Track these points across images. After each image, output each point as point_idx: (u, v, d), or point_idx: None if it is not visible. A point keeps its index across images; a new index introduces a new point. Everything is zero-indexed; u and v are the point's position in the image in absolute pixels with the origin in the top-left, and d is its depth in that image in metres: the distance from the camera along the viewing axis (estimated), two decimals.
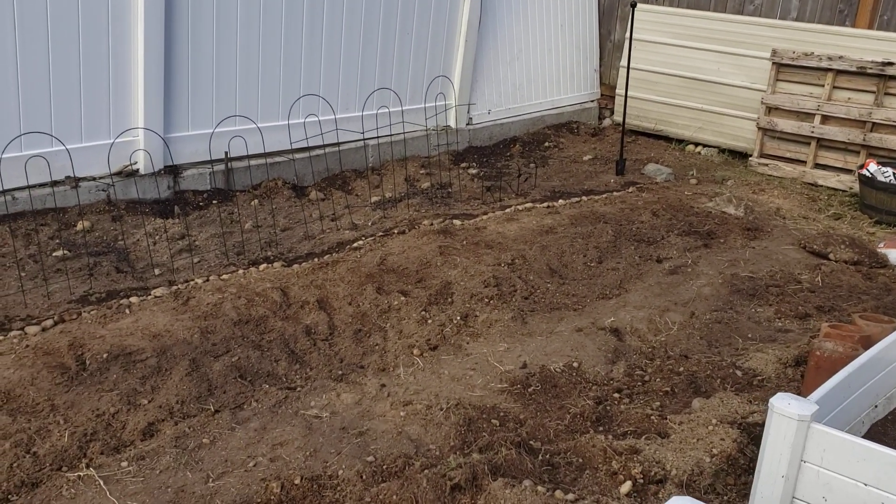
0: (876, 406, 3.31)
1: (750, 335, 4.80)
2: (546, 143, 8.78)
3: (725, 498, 3.23)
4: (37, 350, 3.91)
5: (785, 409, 2.55)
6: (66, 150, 5.22)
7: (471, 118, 8.31)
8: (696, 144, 9.04)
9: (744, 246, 6.20)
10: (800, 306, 5.13)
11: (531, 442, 3.57)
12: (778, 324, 4.96)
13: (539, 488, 3.05)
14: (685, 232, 6.37)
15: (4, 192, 5.19)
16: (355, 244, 5.58)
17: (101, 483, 3.22)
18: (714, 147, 8.92)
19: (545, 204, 6.72)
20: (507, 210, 6.47)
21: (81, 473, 3.27)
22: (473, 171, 7.62)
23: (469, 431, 3.63)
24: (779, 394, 2.63)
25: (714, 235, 6.36)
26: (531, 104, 9.03)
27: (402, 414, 3.82)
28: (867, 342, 3.59)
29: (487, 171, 7.73)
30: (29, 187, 5.19)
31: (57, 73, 5.37)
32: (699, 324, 4.92)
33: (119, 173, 5.76)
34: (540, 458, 3.41)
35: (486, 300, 4.95)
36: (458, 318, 4.77)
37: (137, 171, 5.86)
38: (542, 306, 5.10)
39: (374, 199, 6.69)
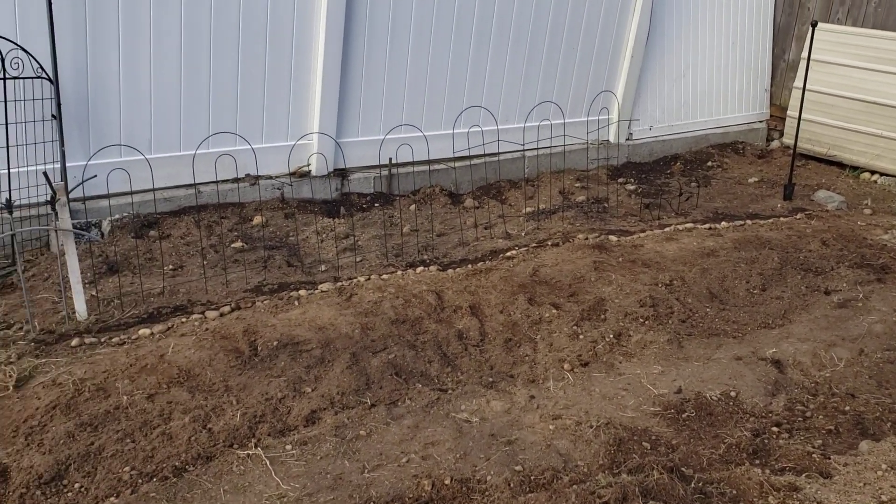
0: None
1: None
2: (709, 163, 8.52)
3: None
4: (215, 334, 4.23)
5: None
6: (251, 148, 5.61)
7: (631, 133, 8.21)
8: (873, 172, 8.50)
9: None
10: None
11: (683, 469, 3.49)
12: None
13: None
14: (857, 264, 6.01)
15: (194, 185, 5.65)
16: (508, 253, 5.65)
17: (268, 463, 3.45)
18: (892, 176, 8.34)
19: (707, 225, 6.54)
20: (667, 229, 6.34)
21: (250, 452, 3.51)
22: (631, 188, 7.52)
23: (619, 452, 3.60)
24: None
25: (889, 270, 5.95)
26: (695, 122, 8.80)
27: (550, 427, 3.84)
28: None
29: (646, 187, 7.61)
30: (216, 182, 5.62)
31: (244, 82, 5.79)
32: (868, 362, 4.63)
33: (294, 174, 6.13)
34: (692, 485, 3.33)
35: (641, 320, 4.88)
36: (611, 335, 4.73)
37: (310, 172, 6.21)
38: (699, 331, 4.97)
39: (527, 209, 6.74)
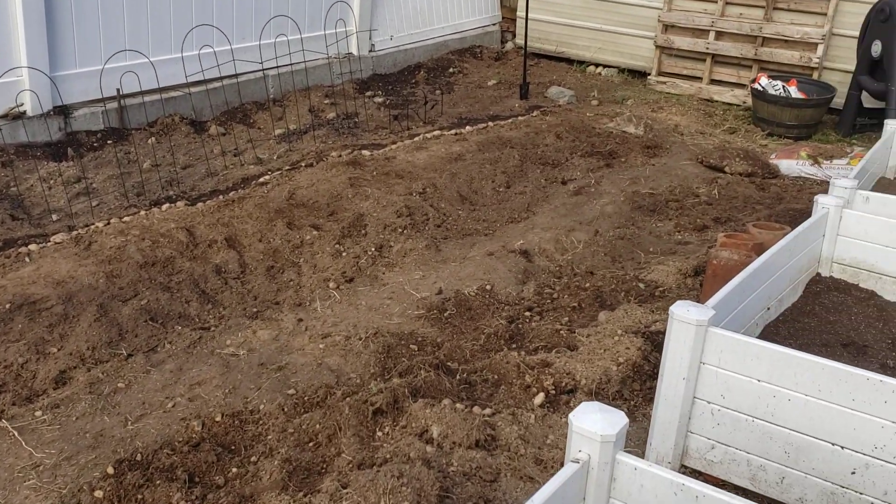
0: (768, 308, 3.53)
1: (651, 249, 5.01)
2: (450, 69, 8.73)
3: (632, 402, 3.42)
4: None
5: (684, 315, 2.70)
6: None
7: (373, 45, 8.17)
8: (597, 65, 9.16)
9: (644, 163, 6.40)
10: (698, 219, 5.36)
11: (449, 363, 3.67)
12: (678, 237, 5.19)
13: (458, 405, 3.16)
14: (588, 153, 6.51)
15: None
16: (261, 179, 5.48)
17: (16, 434, 3.16)
18: (614, 67, 9.06)
19: (453, 131, 6.73)
20: (416, 139, 6.46)
21: None
22: (379, 100, 7.54)
23: (389, 358, 3.71)
24: (678, 301, 2.78)
25: (616, 155, 6.53)
26: (434, 29, 8.92)
27: (321, 346, 3.86)
28: (760, 249, 3.80)
29: (394, 99, 7.66)
30: None
31: None
32: (603, 241, 5.09)
33: (5, 116, 5.45)
34: (458, 377, 3.51)
35: (400, 230, 4.98)
36: (373, 249, 4.79)
37: (24, 112, 5.55)
38: (454, 233, 5.17)
39: (277, 131, 6.55)
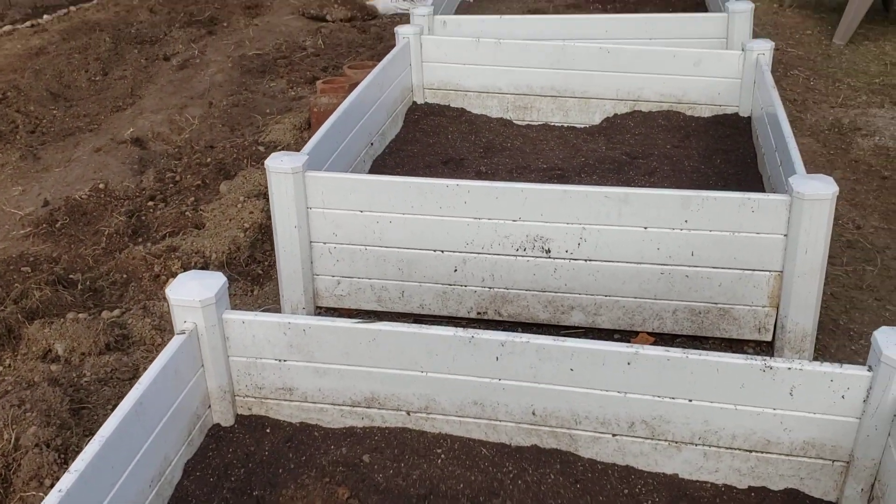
0: (372, 144, 3.73)
1: (268, 110, 4.98)
2: None
3: (266, 263, 3.48)
4: None
5: (278, 166, 2.75)
6: None
7: None
8: None
9: (247, 25, 6.23)
10: (307, 71, 5.41)
11: (71, 276, 3.42)
12: (291, 93, 5.20)
13: (81, 315, 2.99)
14: (187, 23, 6.18)
15: None
16: None
17: None
18: None
19: (28, 23, 5.97)
20: None
21: None
22: None
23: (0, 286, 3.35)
24: (272, 154, 2.81)
25: (216, 20, 6.27)
26: None
27: None
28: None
29: None
30: None
31: None
32: (218, 112, 4.95)
33: None
34: (80, 287, 3.30)
35: None
36: None
37: None
38: (53, 136, 4.70)
39: None
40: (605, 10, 5.20)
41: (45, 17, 6.10)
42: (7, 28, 5.81)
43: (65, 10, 6.24)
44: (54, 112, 4.88)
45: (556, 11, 5.25)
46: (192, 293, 2.02)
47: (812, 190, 2.47)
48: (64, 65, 5.29)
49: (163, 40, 5.88)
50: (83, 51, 5.48)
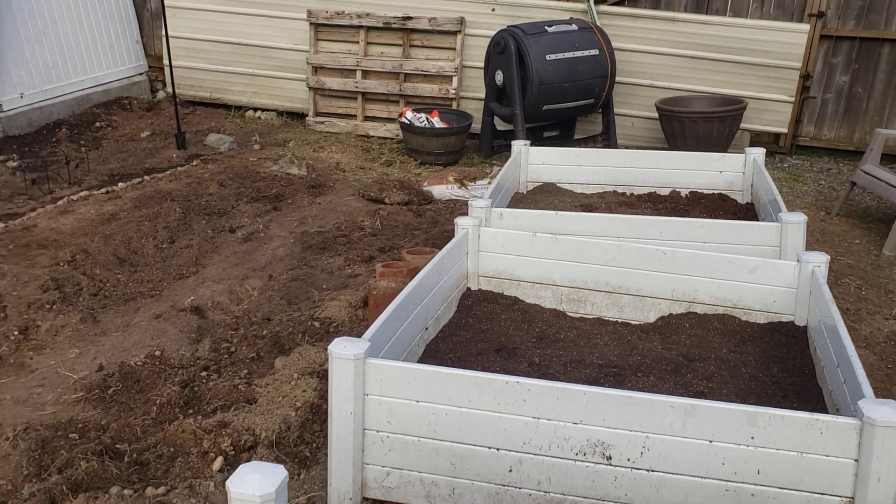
0: (427, 328, 3.77)
1: (325, 286, 5.10)
2: (97, 124, 8.18)
3: (314, 445, 3.44)
4: None
5: (341, 352, 2.78)
6: None
7: (0, 105, 7.38)
8: (256, 109, 9.17)
9: (310, 203, 6.51)
10: (365, 251, 5.57)
11: (117, 446, 3.41)
12: (348, 270, 5.34)
13: (126, 492, 2.94)
14: (254, 198, 6.48)
15: None
16: None
17: None
18: (272, 110, 9.12)
19: (103, 190, 6.31)
20: (60, 202, 5.95)
21: None
22: (14, 164, 6.83)
23: (44, 454, 3.33)
24: (336, 339, 2.85)
25: (282, 197, 6.57)
26: (72, 83, 8.30)
27: None
28: (415, 274, 4.05)
29: (31, 161, 6.98)
30: None
31: None
32: (278, 285, 5.08)
33: None
34: (127, 459, 3.27)
35: (48, 306, 4.53)
36: (16, 332, 4.31)
37: None
38: (114, 300, 4.83)
39: None
40: (656, 210, 5.35)
41: (119, 184, 6.46)
42: (83, 193, 6.15)
43: (139, 180, 6.60)
44: (119, 276, 5.04)
45: (609, 208, 5.41)
46: (253, 487, 1.98)
47: (883, 416, 2.41)
48: (133, 231, 5.54)
49: (230, 213, 6.15)
50: (153, 219, 5.75)
